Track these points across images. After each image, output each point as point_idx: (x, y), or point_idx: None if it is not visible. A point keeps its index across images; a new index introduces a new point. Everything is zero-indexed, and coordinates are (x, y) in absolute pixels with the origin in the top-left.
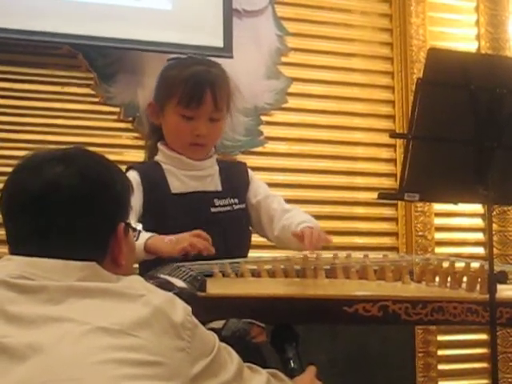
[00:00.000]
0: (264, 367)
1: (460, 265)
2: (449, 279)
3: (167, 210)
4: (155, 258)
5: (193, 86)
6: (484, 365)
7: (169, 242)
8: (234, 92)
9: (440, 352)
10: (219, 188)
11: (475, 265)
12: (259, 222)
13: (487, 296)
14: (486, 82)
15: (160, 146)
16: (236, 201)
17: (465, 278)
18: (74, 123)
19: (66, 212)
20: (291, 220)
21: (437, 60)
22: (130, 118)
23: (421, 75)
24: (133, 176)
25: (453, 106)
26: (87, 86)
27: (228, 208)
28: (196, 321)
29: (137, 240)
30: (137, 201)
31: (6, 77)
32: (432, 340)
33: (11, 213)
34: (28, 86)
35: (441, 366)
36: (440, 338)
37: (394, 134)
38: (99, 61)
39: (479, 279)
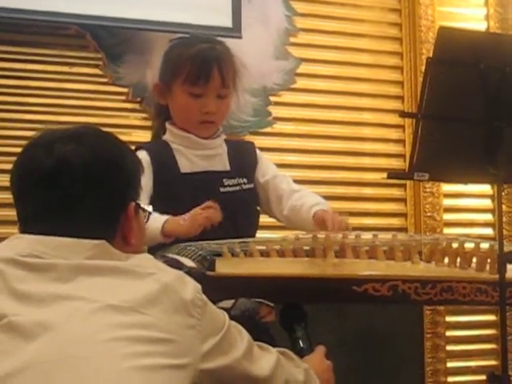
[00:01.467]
0: (273, 347)
1: (469, 245)
2: (458, 259)
3: (176, 190)
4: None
5: (200, 63)
6: (492, 346)
7: (184, 223)
8: (240, 69)
9: (448, 333)
10: (227, 168)
11: (485, 245)
12: (267, 202)
13: (497, 276)
14: (495, 61)
15: (168, 125)
16: (245, 180)
17: (474, 259)
18: (82, 103)
19: (77, 190)
20: (302, 201)
21: (447, 39)
22: (139, 99)
23: (430, 55)
24: (143, 155)
25: (462, 85)
26: (95, 66)
27: (237, 188)
28: (206, 298)
29: (147, 221)
30: (148, 180)
31: (14, 57)
32: (440, 321)
33: (22, 191)
34: (36, 66)
35: (449, 347)
36: (448, 318)
37: (403, 114)
38: (107, 41)
39: (489, 259)
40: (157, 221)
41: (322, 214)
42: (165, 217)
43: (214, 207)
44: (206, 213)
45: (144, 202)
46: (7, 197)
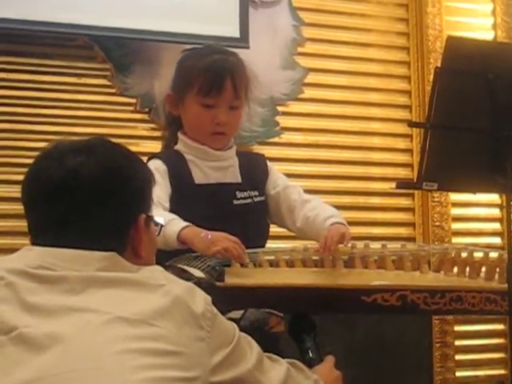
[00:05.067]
0: (282, 357)
1: (478, 254)
2: (467, 269)
3: (190, 201)
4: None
5: (213, 74)
6: (501, 355)
7: (204, 240)
8: (252, 80)
9: (457, 342)
10: (239, 180)
11: (494, 254)
12: (278, 213)
13: (506, 285)
14: (504, 71)
15: (181, 135)
16: (256, 193)
17: (483, 268)
18: (90, 114)
19: (87, 202)
20: (316, 212)
21: (455, 48)
22: (147, 109)
23: (438, 64)
24: (159, 164)
25: (471, 94)
26: (103, 77)
27: (249, 200)
28: (216, 310)
29: (158, 234)
30: (167, 186)
31: (22, 68)
32: (449, 330)
33: (32, 202)
34: (44, 77)
35: (458, 356)
36: (457, 328)
37: (412, 123)
38: (115, 52)
39: (498, 269)
40: (176, 224)
41: (333, 231)
42: (185, 223)
43: (239, 244)
44: (229, 244)
45: (165, 206)
46: (18, 208)
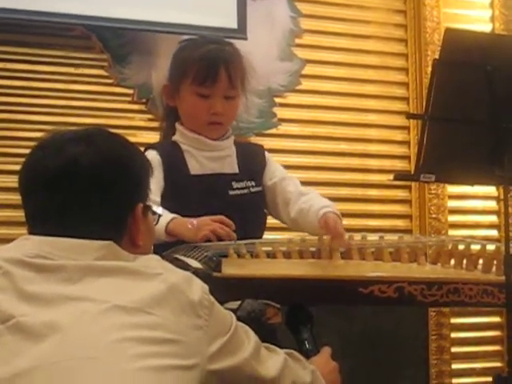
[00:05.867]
0: (279, 348)
1: (475, 247)
2: (464, 261)
3: (185, 191)
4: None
5: (207, 64)
6: (497, 348)
7: (191, 228)
8: (249, 70)
9: (453, 334)
10: (236, 170)
11: (491, 247)
12: (274, 204)
13: (503, 278)
14: (502, 63)
15: (178, 126)
16: (253, 183)
17: (480, 260)
18: (87, 105)
19: (85, 191)
20: (310, 203)
21: (453, 40)
22: (144, 100)
23: (436, 56)
24: (153, 155)
25: (469, 86)
26: (101, 67)
27: (245, 191)
28: (213, 299)
29: (156, 224)
30: (159, 179)
31: (19, 58)
32: (445, 322)
33: (30, 191)
34: (41, 67)
35: (454, 349)
36: (453, 320)
37: (410, 115)
38: (113, 42)
39: (495, 261)
40: (163, 217)
41: (325, 218)
42: (171, 215)
43: (226, 222)
44: (214, 226)
45: (156, 200)
46: (14, 198)
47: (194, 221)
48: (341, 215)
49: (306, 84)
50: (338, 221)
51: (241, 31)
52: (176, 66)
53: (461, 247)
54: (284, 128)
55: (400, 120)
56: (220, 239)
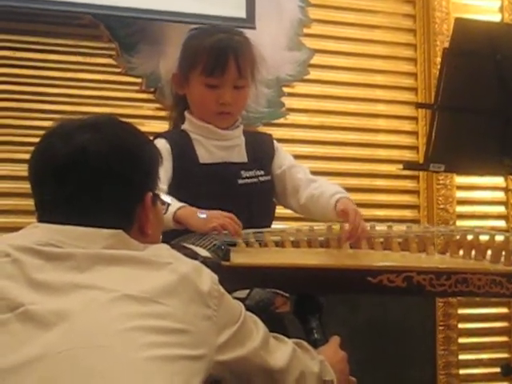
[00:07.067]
0: (287, 337)
1: (484, 237)
2: (473, 251)
3: (194, 180)
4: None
5: (216, 54)
6: (505, 338)
7: (200, 218)
8: (259, 60)
9: (461, 325)
10: (245, 159)
11: (500, 237)
12: (283, 192)
13: None
14: None
15: (187, 114)
16: (262, 172)
17: (489, 251)
18: (95, 93)
19: (94, 179)
20: (321, 190)
21: (463, 30)
22: (152, 89)
23: (446, 46)
24: (162, 144)
25: (478, 76)
26: (109, 56)
27: (254, 180)
28: (222, 289)
29: (165, 213)
30: (167, 168)
31: (27, 47)
32: (453, 313)
33: (39, 179)
34: (50, 56)
35: (461, 340)
36: (461, 311)
37: (419, 104)
38: (121, 31)
39: (504, 251)
40: (171, 205)
41: (345, 206)
42: (180, 204)
43: (235, 220)
44: (225, 220)
45: (163, 190)
46: (23, 186)
47: (205, 212)
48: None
49: (314, 74)
50: (358, 212)
51: (249, 21)
52: (185, 54)
53: (469, 237)
54: (292, 118)
55: (408, 110)
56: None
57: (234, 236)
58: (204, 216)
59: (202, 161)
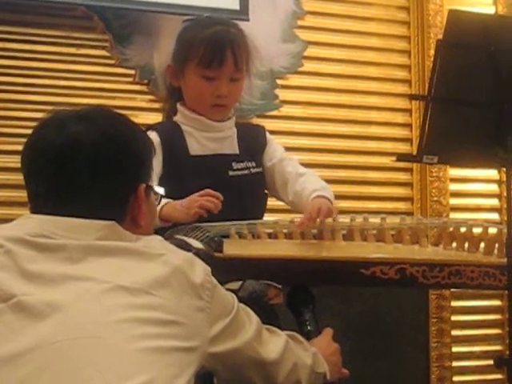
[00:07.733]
0: (281, 329)
1: (477, 230)
2: (466, 243)
3: (185, 172)
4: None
5: (214, 46)
6: (497, 331)
7: (181, 209)
8: (253, 52)
9: (453, 318)
10: (236, 151)
11: (493, 229)
12: (274, 186)
13: (505, 260)
14: (505, 44)
15: (180, 106)
16: (253, 164)
17: (482, 243)
18: (89, 85)
19: (87, 170)
20: (304, 186)
21: (457, 22)
22: (146, 81)
23: (440, 37)
24: (153, 136)
25: (472, 67)
26: (102, 47)
27: (245, 172)
28: (215, 281)
29: (158, 204)
30: (157, 162)
31: (21, 38)
32: (446, 306)
33: (32, 171)
34: (43, 47)
35: (454, 332)
36: (454, 303)
37: (413, 96)
38: (115, 23)
39: (497, 244)
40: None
41: (311, 203)
42: (164, 200)
43: (212, 194)
44: (201, 200)
45: (153, 183)
46: (15, 178)
47: (183, 202)
48: (333, 197)
49: (307, 66)
50: (327, 209)
51: (243, 12)
52: (181, 46)
53: (463, 230)
54: (285, 110)
55: (402, 102)
56: (210, 213)
57: (216, 210)
58: (183, 204)
59: (192, 153)
